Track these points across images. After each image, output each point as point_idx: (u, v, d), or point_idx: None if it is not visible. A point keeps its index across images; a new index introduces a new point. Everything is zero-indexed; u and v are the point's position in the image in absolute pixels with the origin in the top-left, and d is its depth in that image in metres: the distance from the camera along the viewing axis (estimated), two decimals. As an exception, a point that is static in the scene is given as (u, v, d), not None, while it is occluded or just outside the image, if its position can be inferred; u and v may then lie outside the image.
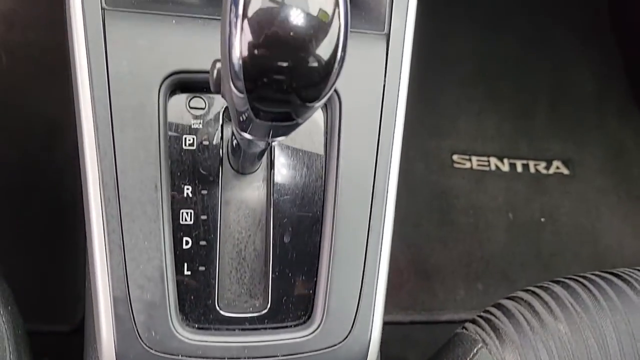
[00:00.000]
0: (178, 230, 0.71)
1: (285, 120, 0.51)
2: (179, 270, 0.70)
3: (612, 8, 2.05)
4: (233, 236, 0.73)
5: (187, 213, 0.71)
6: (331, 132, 0.75)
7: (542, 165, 1.87)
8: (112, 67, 0.68)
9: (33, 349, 0.85)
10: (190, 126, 0.72)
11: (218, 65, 0.52)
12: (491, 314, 0.83)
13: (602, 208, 1.85)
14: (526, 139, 1.88)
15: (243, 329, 0.72)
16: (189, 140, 0.72)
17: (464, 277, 1.67)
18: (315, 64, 0.45)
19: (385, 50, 0.77)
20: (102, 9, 0.69)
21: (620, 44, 2.03)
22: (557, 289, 0.84)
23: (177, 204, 0.71)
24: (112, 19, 0.69)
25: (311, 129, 0.76)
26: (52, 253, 1.39)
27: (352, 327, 0.73)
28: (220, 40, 0.47)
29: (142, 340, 0.68)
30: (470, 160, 1.82)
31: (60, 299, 1.39)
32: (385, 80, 0.77)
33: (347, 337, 0.73)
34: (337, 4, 0.46)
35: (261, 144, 0.61)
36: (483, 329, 0.81)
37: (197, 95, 0.72)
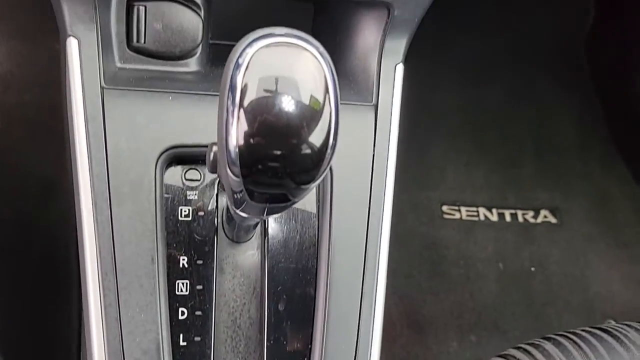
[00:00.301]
0: (174, 301, 0.71)
1: (280, 201, 0.53)
2: (174, 341, 0.71)
3: (590, 56, 2.11)
4: (228, 304, 0.74)
5: (182, 284, 0.72)
6: (323, 199, 0.77)
7: (530, 215, 1.89)
8: (111, 143, 0.70)
9: None
10: (186, 197, 0.74)
11: (214, 148, 0.54)
12: (484, 373, 0.84)
13: (590, 255, 1.86)
14: (514, 188, 1.91)
15: None
16: (185, 211, 0.73)
17: (457, 329, 1.67)
18: (309, 151, 0.48)
19: (374, 120, 0.79)
20: (102, 87, 0.71)
21: (600, 91, 2.08)
22: (549, 346, 0.84)
23: (173, 275, 0.72)
24: (111, 97, 0.71)
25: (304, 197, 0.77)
26: (44, 320, 1.37)
27: None
28: (217, 126, 0.49)
29: None
30: (459, 210, 1.84)
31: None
32: (374, 148, 0.79)
33: None
34: (327, 90, 0.48)
35: (256, 219, 0.63)
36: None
37: (193, 167, 0.74)
